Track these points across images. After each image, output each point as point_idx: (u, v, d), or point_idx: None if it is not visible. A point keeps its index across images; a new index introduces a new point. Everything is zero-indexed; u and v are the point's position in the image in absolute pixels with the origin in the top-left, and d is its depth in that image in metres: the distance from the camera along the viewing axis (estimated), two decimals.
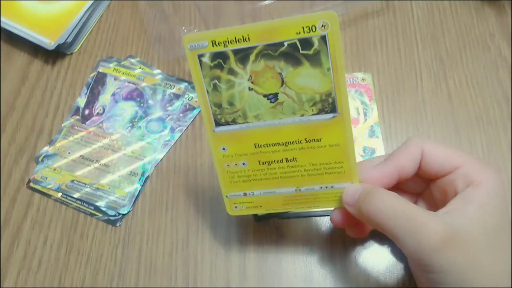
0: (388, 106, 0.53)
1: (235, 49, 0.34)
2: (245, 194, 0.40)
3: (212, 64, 0.35)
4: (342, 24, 0.58)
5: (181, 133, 0.53)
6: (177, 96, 0.55)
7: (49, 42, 0.58)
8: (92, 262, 0.47)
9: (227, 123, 0.37)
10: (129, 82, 0.56)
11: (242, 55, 0.34)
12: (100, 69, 0.58)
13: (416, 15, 0.58)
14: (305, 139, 0.36)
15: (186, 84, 0.56)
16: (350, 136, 0.36)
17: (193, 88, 0.55)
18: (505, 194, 0.36)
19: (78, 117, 0.55)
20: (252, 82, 0.35)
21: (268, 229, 0.47)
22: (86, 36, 0.61)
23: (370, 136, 0.51)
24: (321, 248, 0.46)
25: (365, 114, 0.52)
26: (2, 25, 0.59)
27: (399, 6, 0.59)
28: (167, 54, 0.58)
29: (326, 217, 0.47)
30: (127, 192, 0.50)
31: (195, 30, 0.59)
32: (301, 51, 0.33)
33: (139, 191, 0.50)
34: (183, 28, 0.58)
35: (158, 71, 0.57)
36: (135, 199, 0.50)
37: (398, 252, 0.45)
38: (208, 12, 0.59)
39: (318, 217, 0.47)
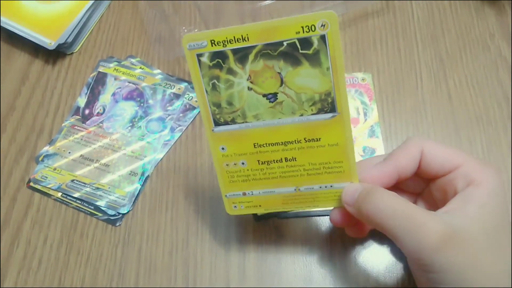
0: (388, 106, 0.53)
1: (234, 48, 0.34)
2: (244, 194, 0.40)
3: (211, 64, 0.35)
4: (342, 24, 0.58)
5: (181, 133, 0.53)
6: (177, 96, 0.55)
7: (49, 42, 0.58)
8: (92, 261, 0.47)
9: (226, 123, 0.37)
10: (129, 82, 0.56)
11: (241, 55, 0.34)
12: (101, 69, 0.58)
13: (416, 15, 0.58)
14: (304, 139, 0.36)
15: (186, 84, 0.56)
16: (350, 135, 0.36)
17: (193, 88, 0.56)
18: (505, 194, 0.36)
19: (78, 117, 0.55)
20: (251, 82, 0.35)
21: (268, 229, 0.47)
22: (86, 36, 0.61)
23: (370, 136, 0.51)
24: (321, 248, 0.46)
25: (365, 114, 0.52)
26: (3, 25, 0.59)
27: (399, 6, 0.59)
28: (167, 54, 0.58)
29: (326, 217, 0.47)
30: (127, 191, 0.50)
31: (195, 30, 0.59)
32: (300, 51, 0.33)
33: (139, 191, 0.50)
34: (183, 28, 0.58)
35: (158, 71, 0.57)
36: (135, 199, 0.50)
37: (398, 252, 0.45)
38: (208, 12, 0.59)
39: (317, 217, 0.47)
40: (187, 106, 0.55)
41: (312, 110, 0.35)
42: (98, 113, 0.55)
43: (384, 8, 0.59)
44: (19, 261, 0.48)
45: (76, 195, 0.51)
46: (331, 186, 0.38)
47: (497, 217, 0.34)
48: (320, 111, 0.35)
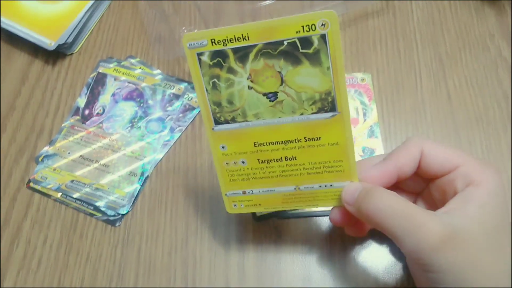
0: (387, 106, 0.53)
1: (235, 47, 0.34)
2: (244, 193, 0.40)
3: (211, 63, 0.35)
4: (342, 24, 0.58)
5: (180, 133, 0.53)
6: (176, 97, 0.55)
7: (49, 42, 0.58)
8: (92, 262, 0.47)
9: (226, 122, 0.37)
10: (129, 83, 0.56)
11: (242, 54, 0.34)
12: (100, 70, 0.58)
13: (416, 15, 0.58)
14: (304, 138, 0.36)
15: (186, 84, 0.56)
16: (350, 135, 0.36)
17: (192, 88, 0.56)
18: (505, 194, 0.36)
19: (78, 117, 0.55)
20: (251, 81, 0.35)
21: (267, 228, 0.47)
22: (86, 36, 0.61)
23: (369, 136, 0.51)
24: (320, 247, 0.46)
25: (364, 114, 0.52)
26: (2, 25, 0.59)
27: (399, 6, 0.59)
28: (167, 54, 0.58)
29: (325, 217, 0.47)
30: (127, 192, 0.50)
31: (195, 30, 0.59)
32: (300, 50, 0.33)
33: (139, 191, 0.50)
34: (183, 28, 0.58)
35: (158, 71, 0.57)
36: (134, 199, 0.50)
37: (397, 252, 0.45)
38: (208, 12, 0.59)
39: (317, 217, 0.47)
40: (187, 107, 0.55)
41: (312, 109, 0.35)
42: (97, 113, 0.55)
43: (384, 8, 0.59)
44: (18, 261, 0.48)
45: (76, 195, 0.51)
46: (331, 185, 0.38)
47: (497, 217, 0.34)
48: (320, 110, 0.35)
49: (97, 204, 0.50)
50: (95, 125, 0.54)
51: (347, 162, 0.37)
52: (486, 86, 0.53)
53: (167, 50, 0.58)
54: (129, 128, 0.54)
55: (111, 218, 0.49)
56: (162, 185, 0.51)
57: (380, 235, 0.45)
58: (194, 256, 0.47)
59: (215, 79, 0.35)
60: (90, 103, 0.56)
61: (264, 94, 0.35)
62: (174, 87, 0.56)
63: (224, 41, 0.34)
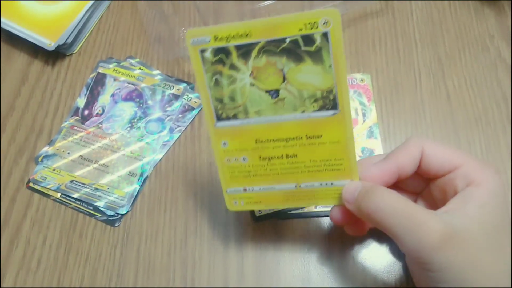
0: (386, 107, 0.53)
1: (237, 44, 0.34)
2: (245, 190, 0.40)
3: (214, 60, 0.35)
4: (341, 24, 0.58)
5: (180, 134, 0.53)
6: (176, 97, 0.55)
7: (49, 42, 0.58)
8: (91, 262, 0.47)
9: (228, 118, 0.37)
10: (129, 83, 0.56)
11: (244, 51, 0.34)
12: (100, 70, 0.58)
13: (415, 16, 0.58)
14: (305, 136, 0.36)
15: (185, 84, 0.56)
16: (351, 133, 0.36)
17: (192, 88, 0.56)
18: (505, 194, 0.36)
19: (77, 117, 0.55)
20: (253, 78, 0.35)
21: (266, 228, 0.47)
22: (86, 37, 0.61)
23: (368, 137, 0.51)
24: (319, 247, 0.46)
25: (363, 115, 0.52)
26: (2, 26, 0.59)
27: (398, 6, 0.59)
28: (166, 55, 0.58)
29: (324, 217, 0.47)
30: (126, 192, 0.50)
31: None
32: (303, 48, 0.33)
33: (138, 192, 0.50)
34: (183, 28, 0.58)
35: (158, 71, 0.57)
36: (133, 199, 0.50)
37: (396, 252, 0.45)
38: (208, 13, 0.59)
39: (316, 218, 0.47)
40: (186, 107, 0.55)
41: (313, 107, 0.35)
42: (97, 113, 0.55)
43: (383, 9, 0.59)
44: (18, 261, 0.48)
45: (75, 195, 0.50)
46: (331, 184, 0.38)
47: (497, 217, 0.35)
48: (321, 108, 0.35)
49: (96, 204, 0.50)
50: (95, 125, 0.54)
51: (347, 161, 0.37)
52: (485, 87, 0.53)
53: (166, 50, 0.58)
54: (128, 128, 0.54)
55: (111, 218, 0.49)
56: (161, 185, 0.51)
57: (379, 235, 0.45)
58: (193, 256, 0.47)
59: (218, 76, 0.35)
60: (90, 103, 0.56)
61: (266, 91, 0.35)
62: (173, 87, 0.56)
63: (227, 38, 0.34)
